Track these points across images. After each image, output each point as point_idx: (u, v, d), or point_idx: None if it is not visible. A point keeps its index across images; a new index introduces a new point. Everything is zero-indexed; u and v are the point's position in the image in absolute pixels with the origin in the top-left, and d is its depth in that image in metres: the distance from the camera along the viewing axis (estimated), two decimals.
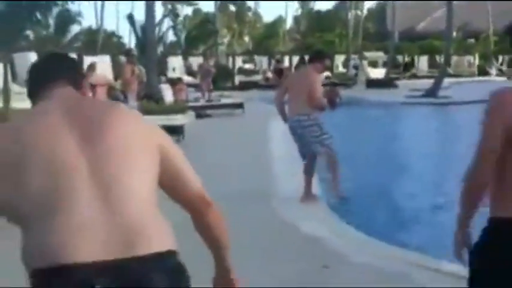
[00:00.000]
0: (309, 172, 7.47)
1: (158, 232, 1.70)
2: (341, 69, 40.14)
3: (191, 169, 1.92)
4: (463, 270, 4.79)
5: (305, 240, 5.71)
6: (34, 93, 1.95)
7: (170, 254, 1.70)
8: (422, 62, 45.03)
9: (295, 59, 39.38)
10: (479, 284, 2.42)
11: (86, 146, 1.71)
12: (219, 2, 44.37)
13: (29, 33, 25.09)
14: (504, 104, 2.43)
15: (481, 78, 41.86)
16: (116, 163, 1.72)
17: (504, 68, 48.19)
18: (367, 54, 39.93)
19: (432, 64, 43.32)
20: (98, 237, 1.61)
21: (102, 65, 19.62)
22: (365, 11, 56.98)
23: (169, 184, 1.86)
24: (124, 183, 1.70)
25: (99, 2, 41.78)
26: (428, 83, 29.25)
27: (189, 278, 1.75)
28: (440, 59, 37.41)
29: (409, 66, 40.80)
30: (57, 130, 1.73)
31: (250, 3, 56.16)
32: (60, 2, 18.72)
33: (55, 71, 1.96)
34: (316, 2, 59.67)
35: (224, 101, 20.50)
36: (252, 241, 5.50)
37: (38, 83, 1.96)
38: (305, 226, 6.20)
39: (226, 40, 51.03)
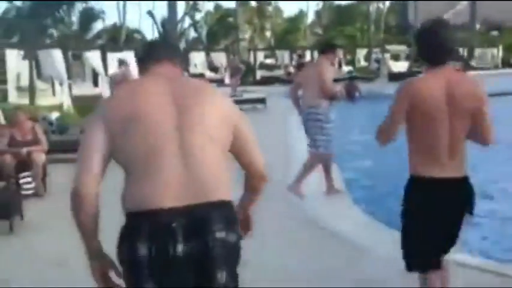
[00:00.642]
0: (324, 166, 7.43)
1: (221, 187, 2.30)
2: (363, 63, 39.92)
3: (257, 148, 2.51)
4: (482, 263, 4.94)
5: (327, 235, 5.76)
6: (143, 68, 2.51)
7: (227, 203, 2.32)
8: None
9: (317, 53, 39.19)
10: (409, 219, 3.48)
11: (178, 116, 2.27)
12: None
13: (53, 31, 25.41)
14: (408, 90, 3.36)
15: (505, 70, 41.41)
16: (198, 133, 2.27)
17: None
18: (389, 47, 39.64)
19: (455, 57, 42.91)
20: (176, 190, 2.21)
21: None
22: (387, 4, 56.65)
23: (238, 153, 2.45)
24: (202, 151, 2.27)
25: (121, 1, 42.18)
26: None
27: (238, 224, 2.37)
28: (463, 51, 37.05)
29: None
30: (160, 99, 2.29)
31: None
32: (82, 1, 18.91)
33: (162, 53, 2.53)
34: None
35: (246, 96, 20.57)
36: (274, 234, 5.56)
37: (148, 60, 2.51)
38: (326, 219, 6.24)
39: (247, 35, 51.00)
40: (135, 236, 2.20)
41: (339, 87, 7.52)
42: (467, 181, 3.39)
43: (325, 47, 7.69)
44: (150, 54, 2.55)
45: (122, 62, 14.68)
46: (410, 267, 3.48)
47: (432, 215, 3.33)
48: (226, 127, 2.37)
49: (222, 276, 2.25)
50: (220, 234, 2.23)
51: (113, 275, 2.38)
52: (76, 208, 2.32)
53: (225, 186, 2.34)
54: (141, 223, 2.20)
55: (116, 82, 13.00)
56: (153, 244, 2.18)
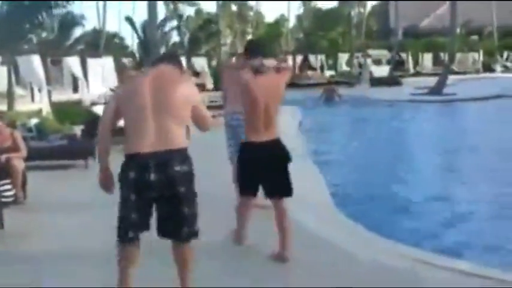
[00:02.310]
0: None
1: (177, 140, 3.78)
2: (345, 67, 40.06)
3: (204, 108, 4.10)
4: (473, 268, 4.90)
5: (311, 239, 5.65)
6: (152, 66, 4.12)
7: (183, 149, 3.82)
8: (426, 60, 44.91)
9: (299, 58, 39.34)
10: (242, 166, 5.10)
11: (155, 98, 3.76)
12: (220, 2, 44.32)
13: (32, 36, 25.03)
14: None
15: (486, 75, 41.79)
16: (165, 110, 3.76)
17: (509, 64, 48.05)
18: (371, 52, 39.83)
19: (436, 61, 43.21)
20: (151, 140, 3.71)
21: (105, 67, 19.65)
22: (368, 8, 56.95)
23: (194, 117, 3.94)
24: (169, 117, 3.76)
25: (101, 4, 41.85)
26: (432, 80, 29.14)
27: (191, 162, 3.85)
28: (444, 56, 37.30)
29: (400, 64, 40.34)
30: (145, 87, 3.81)
31: (252, 3, 56.05)
32: (61, 3, 18.67)
33: (163, 59, 4.18)
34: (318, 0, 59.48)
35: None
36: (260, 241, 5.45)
37: (154, 63, 4.16)
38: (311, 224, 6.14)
39: (228, 40, 50.95)
40: (127, 168, 3.77)
41: None
42: (279, 141, 5.07)
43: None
44: (155, 60, 4.43)
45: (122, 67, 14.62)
46: (242, 192, 5.21)
47: (254, 163, 4.98)
48: (187, 104, 3.88)
49: (183, 189, 3.80)
50: (177, 168, 3.76)
51: (110, 182, 3.94)
52: (98, 137, 3.97)
53: (180, 139, 3.82)
54: (130, 161, 3.76)
55: None
56: (136, 173, 3.73)
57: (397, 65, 38.89)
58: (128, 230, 3.80)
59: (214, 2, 42.67)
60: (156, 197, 3.78)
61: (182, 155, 3.80)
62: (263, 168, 4.95)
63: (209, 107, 5.89)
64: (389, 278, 4.53)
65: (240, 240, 5.35)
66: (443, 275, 4.71)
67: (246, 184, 5.11)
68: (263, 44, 7.64)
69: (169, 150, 3.73)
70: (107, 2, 40.44)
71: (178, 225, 3.86)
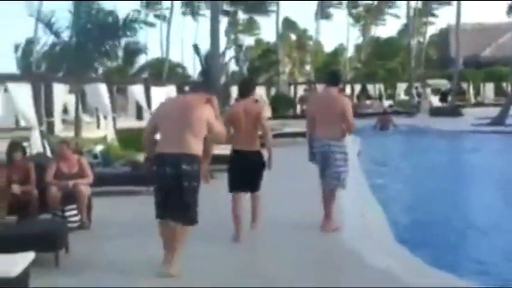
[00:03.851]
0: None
1: (191, 148, 5.43)
2: (403, 97, 39.67)
3: (219, 126, 5.68)
4: None
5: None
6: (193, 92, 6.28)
7: (195, 155, 5.44)
8: (488, 90, 43.96)
9: (357, 87, 39.26)
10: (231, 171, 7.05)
11: (180, 117, 5.47)
12: (280, 31, 44.78)
13: (98, 65, 25.98)
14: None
15: None
16: (186, 125, 5.44)
17: None
18: (430, 81, 39.31)
19: (498, 91, 42.24)
20: (171, 146, 5.43)
21: (168, 95, 20.15)
22: (427, 38, 56.32)
23: (210, 133, 5.57)
24: (187, 130, 5.44)
25: (164, 33, 43.01)
26: (494, 111, 28.49)
27: (199, 165, 5.52)
28: (507, 86, 36.49)
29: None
30: (174, 109, 5.64)
31: (312, 32, 56.31)
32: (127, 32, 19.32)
33: (195, 89, 6.63)
34: (378, 29, 59.13)
35: (286, 129, 20.53)
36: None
37: (190, 90, 7.86)
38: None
39: (287, 69, 51.30)
40: (155, 163, 5.51)
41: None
42: (259, 152, 6.99)
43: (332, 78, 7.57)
44: (190, 87, 8.57)
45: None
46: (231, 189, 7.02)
47: (238, 168, 6.90)
48: (204, 124, 5.48)
49: (186, 183, 5.34)
50: (184, 167, 5.33)
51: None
52: (143, 140, 5.85)
53: (192, 147, 5.42)
54: (156, 158, 5.48)
55: None
56: (158, 167, 5.44)
57: (458, 94, 38.21)
58: (157, 210, 5.52)
59: (274, 31, 43.14)
60: (169, 186, 5.36)
61: (191, 158, 5.37)
62: (245, 171, 6.97)
63: None
64: None
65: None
66: None
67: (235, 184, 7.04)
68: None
69: (181, 153, 5.35)
70: (170, 32, 41.66)
71: (181, 211, 5.39)
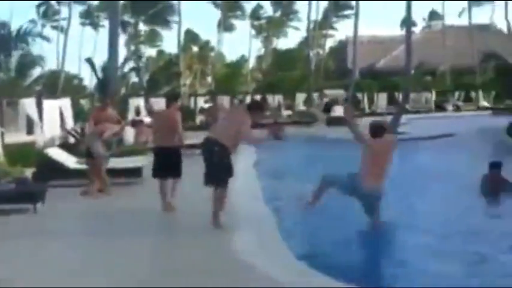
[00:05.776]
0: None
1: (227, 141, 7.83)
2: (302, 107, 40.60)
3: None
4: None
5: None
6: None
7: (226, 145, 7.81)
8: (382, 99, 45.82)
9: (258, 98, 39.73)
10: None
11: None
12: (182, 42, 44.71)
13: None
14: None
15: (438, 114, 42.83)
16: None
17: (460, 103, 49.31)
18: (328, 92, 40.44)
19: (391, 101, 44.11)
20: (216, 133, 7.97)
21: (63, 107, 19.57)
22: (327, 49, 58.08)
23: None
24: (231, 127, 7.91)
25: (61, 45, 41.83)
26: (387, 119, 29.67)
27: (226, 150, 7.89)
28: (399, 95, 38.19)
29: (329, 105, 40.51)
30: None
31: (214, 43, 56.64)
32: (20, 45, 18.67)
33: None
34: (279, 41, 60.36)
35: (187, 141, 20.41)
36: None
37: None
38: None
39: (188, 81, 51.25)
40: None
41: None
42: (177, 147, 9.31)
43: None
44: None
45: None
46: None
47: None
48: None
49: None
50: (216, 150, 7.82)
51: None
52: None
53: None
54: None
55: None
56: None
57: (354, 104, 39.55)
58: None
59: (176, 43, 43.05)
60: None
61: (220, 146, 7.67)
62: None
63: None
64: None
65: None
66: None
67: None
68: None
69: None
70: (67, 43, 40.62)
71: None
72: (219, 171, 7.82)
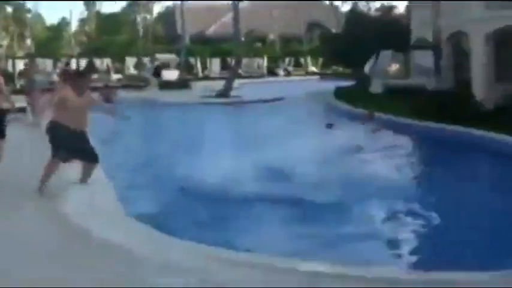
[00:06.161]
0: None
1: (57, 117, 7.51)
2: (132, 71, 39.13)
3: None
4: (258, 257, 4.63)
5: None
6: None
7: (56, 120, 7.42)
8: (215, 64, 45.68)
9: (83, 61, 37.66)
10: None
11: None
12: None
13: None
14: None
15: (270, 79, 43.75)
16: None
17: (291, 68, 51.04)
18: (159, 56, 39.35)
19: (224, 66, 44.13)
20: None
21: None
22: (154, 14, 56.50)
23: None
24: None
25: None
26: (221, 84, 29.41)
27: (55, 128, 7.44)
28: (231, 61, 38.13)
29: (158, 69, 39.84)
30: None
31: (30, 4, 52.47)
32: None
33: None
34: (103, 4, 57.49)
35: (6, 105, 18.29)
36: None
37: None
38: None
39: (5, 42, 47.05)
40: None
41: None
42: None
43: None
44: None
45: None
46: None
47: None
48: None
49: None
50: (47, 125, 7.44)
51: None
52: None
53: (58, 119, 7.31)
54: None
55: None
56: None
57: (187, 69, 38.90)
58: None
59: None
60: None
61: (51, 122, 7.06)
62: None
63: None
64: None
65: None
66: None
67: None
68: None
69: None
70: None
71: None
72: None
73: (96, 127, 8.20)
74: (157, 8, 57.89)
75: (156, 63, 37.98)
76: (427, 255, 5.92)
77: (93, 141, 7.66)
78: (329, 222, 6.68)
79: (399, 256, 5.91)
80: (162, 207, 7.36)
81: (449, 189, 8.59)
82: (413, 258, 5.81)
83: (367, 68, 25.72)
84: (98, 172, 7.92)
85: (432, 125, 14.02)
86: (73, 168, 7.67)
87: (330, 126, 11.87)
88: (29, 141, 11.49)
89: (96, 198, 6.89)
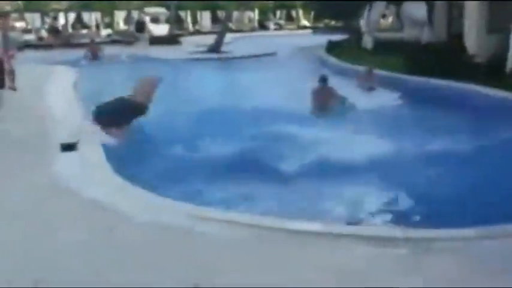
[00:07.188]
0: None
1: None
2: (122, 26, 38.50)
3: None
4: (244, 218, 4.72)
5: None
6: None
7: None
8: (205, 18, 44.94)
9: (72, 16, 37.03)
10: None
11: None
12: None
13: None
14: None
15: (261, 33, 43.18)
16: None
17: (282, 22, 50.32)
18: (149, 10, 38.70)
19: (215, 20, 43.44)
20: None
21: None
22: None
23: None
24: None
25: None
26: (212, 38, 29.00)
27: None
28: (222, 14, 37.58)
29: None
30: None
31: None
32: None
33: None
34: None
35: None
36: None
37: None
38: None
39: None
40: None
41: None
42: None
43: None
44: None
45: None
46: None
47: None
48: None
49: None
50: None
51: None
52: None
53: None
54: None
55: None
56: None
57: (177, 23, 38.31)
58: None
59: None
60: None
61: None
62: None
63: None
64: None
65: None
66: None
67: None
68: None
69: None
70: None
71: None
72: None
73: None
74: None
75: (137, 17, 36.95)
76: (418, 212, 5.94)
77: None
78: (314, 181, 6.68)
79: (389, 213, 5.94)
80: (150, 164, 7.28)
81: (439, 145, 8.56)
82: (404, 216, 5.83)
83: (362, 23, 25.38)
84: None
85: (432, 81, 13.65)
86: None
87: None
88: None
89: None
